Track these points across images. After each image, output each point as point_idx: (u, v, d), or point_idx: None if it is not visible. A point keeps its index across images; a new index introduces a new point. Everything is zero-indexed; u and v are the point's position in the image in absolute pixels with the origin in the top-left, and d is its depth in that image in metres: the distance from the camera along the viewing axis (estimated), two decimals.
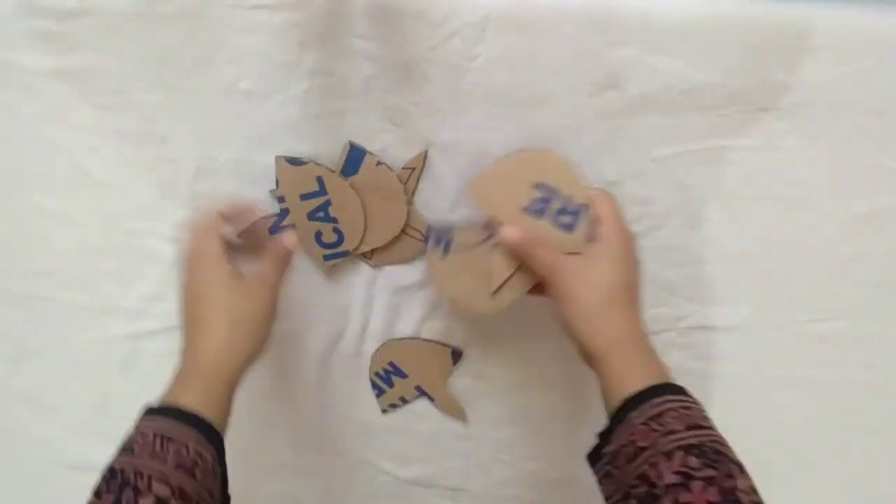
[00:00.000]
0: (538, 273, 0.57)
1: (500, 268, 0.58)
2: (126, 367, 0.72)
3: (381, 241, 0.65)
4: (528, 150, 0.58)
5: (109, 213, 0.66)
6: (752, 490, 0.44)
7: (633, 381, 0.50)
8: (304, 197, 0.63)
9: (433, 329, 0.69)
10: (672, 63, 0.57)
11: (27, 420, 0.76)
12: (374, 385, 0.72)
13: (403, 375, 0.71)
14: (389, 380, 0.71)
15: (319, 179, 0.62)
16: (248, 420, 0.72)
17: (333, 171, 0.62)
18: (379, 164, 0.62)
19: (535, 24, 0.56)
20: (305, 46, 0.58)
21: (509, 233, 0.57)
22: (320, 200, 0.63)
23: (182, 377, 0.53)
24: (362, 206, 0.63)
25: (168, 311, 0.69)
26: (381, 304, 0.68)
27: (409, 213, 0.63)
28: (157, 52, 0.59)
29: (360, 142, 0.62)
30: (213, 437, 0.50)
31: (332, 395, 0.73)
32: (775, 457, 0.71)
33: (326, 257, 0.65)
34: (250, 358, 0.55)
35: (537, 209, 0.57)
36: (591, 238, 0.56)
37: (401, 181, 0.62)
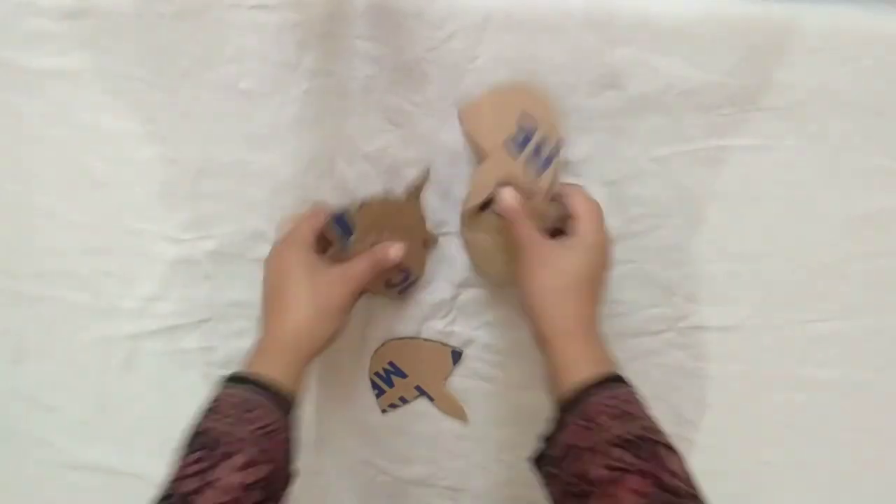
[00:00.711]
0: (515, 243, 0.57)
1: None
2: (126, 367, 0.72)
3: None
4: (517, 82, 0.59)
5: (110, 213, 0.66)
6: (683, 472, 0.45)
7: (572, 374, 0.51)
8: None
9: (433, 329, 0.69)
10: (672, 63, 0.57)
11: (27, 420, 0.76)
12: (374, 385, 0.72)
13: (403, 375, 0.71)
14: (389, 380, 0.71)
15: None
16: None
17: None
18: (362, 205, 0.60)
19: (535, 24, 0.57)
20: (305, 46, 0.58)
21: (506, 198, 0.58)
22: None
23: (262, 350, 0.56)
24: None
25: (168, 311, 0.70)
26: (381, 304, 0.68)
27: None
28: (157, 51, 0.59)
29: (361, 142, 0.62)
30: (287, 408, 0.53)
31: (332, 395, 0.73)
32: (775, 457, 0.71)
33: (399, 291, 0.66)
34: (326, 343, 0.57)
35: (518, 144, 0.59)
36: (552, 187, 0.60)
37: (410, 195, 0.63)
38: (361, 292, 0.60)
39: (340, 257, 0.60)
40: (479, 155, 0.61)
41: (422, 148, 0.62)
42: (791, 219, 0.63)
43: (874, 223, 0.62)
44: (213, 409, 0.51)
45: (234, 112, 0.61)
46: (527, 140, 0.59)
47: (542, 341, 0.55)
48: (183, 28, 0.58)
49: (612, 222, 0.64)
